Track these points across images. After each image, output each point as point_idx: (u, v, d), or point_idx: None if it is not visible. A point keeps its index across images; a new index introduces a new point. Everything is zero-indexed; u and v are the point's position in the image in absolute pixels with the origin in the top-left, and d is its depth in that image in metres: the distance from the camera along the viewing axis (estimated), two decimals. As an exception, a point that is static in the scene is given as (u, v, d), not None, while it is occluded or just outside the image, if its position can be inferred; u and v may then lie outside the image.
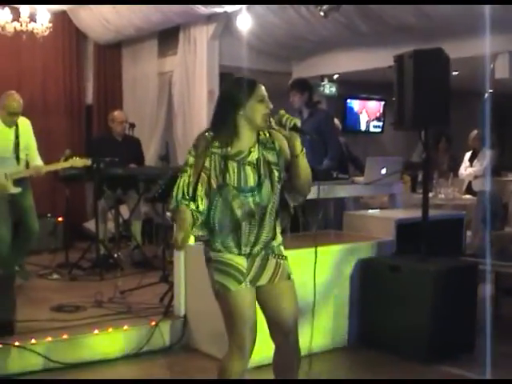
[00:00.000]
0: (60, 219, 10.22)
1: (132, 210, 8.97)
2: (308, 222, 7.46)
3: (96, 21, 10.69)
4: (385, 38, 9.10)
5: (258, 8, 9.17)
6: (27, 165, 7.51)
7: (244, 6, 8.98)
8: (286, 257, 3.98)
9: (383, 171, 7.14)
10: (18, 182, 7.37)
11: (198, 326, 6.03)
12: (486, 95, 12.94)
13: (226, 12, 9.25)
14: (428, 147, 6.26)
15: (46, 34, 10.10)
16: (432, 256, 5.92)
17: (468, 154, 10.35)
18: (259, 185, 3.79)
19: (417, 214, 6.34)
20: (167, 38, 10.76)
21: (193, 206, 3.69)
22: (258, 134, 3.87)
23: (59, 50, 11.48)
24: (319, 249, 5.53)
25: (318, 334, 5.11)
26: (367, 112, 13.85)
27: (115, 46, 11.66)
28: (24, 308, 6.03)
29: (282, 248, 3.99)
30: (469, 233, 8.92)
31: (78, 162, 7.59)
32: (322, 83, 11.63)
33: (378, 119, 14.08)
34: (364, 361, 5.83)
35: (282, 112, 3.79)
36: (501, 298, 6.93)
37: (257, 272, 3.87)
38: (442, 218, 7.03)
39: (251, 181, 3.78)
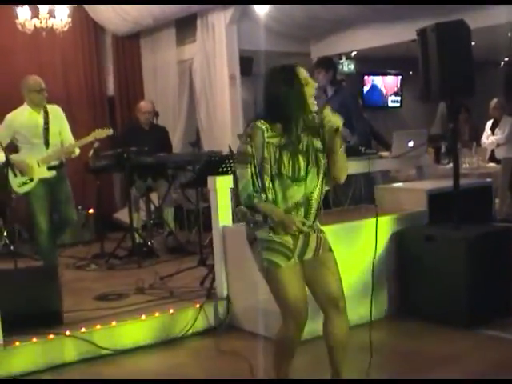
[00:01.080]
0: (91, 211, 10.37)
1: (163, 197, 9.10)
2: (339, 199, 7.58)
3: (114, 13, 10.78)
4: (402, 13, 9.16)
5: (275, -10, 9.25)
6: None
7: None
8: (323, 231, 4.12)
9: (410, 144, 7.23)
10: (53, 170, 7.43)
11: (241, 306, 6.15)
12: (502, 64, 13.00)
13: (242, -4, 9.33)
14: (453, 118, 6.33)
15: (65, 29, 10.23)
16: (464, 224, 6.02)
17: (489, 123, 10.42)
18: (307, 173, 3.91)
19: (445, 184, 6.44)
20: (185, 25, 10.86)
21: (265, 197, 3.83)
22: (304, 119, 3.95)
23: (78, 44, 11.60)
24: (354, 223, 5.73)
25: (360, 305, 5.21)
26: (385, 87, 13.91)
27: (133, 37, 11.77)
28: (68, 299, 6.14)
29: (318, 223, 4.12)
30: (496, 200, 8.99)
31: (101, 133, 7.59)
32: (340, 61, 11.71)
33: (395, 94, 14.14)
34: (405, 330, 5.91)
35: (327, 112, 3.86)
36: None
37: (302, 247, 4.01)
38: (471, 186, 7.08)
39: (302, 170, 3.89)
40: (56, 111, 7.57)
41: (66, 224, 7.71)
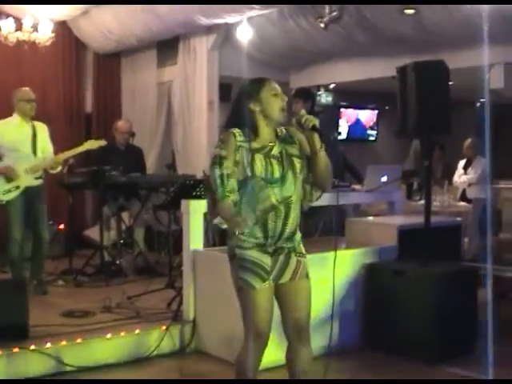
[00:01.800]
0: (61, 226, 10.35)
1: (135, 217, 9.10)
2: (309, 228, 7.63)
3: (97, 31, 10.82)
4: (382, 49, 9.29)
5: (258, 19, 9.34)
6: None
7: (245, 18, 9.14)
8: (305, 255, 4.17)
9: (384, 179, 7.32)
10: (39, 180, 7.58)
11: (207, 330, 6.16)
12: (478, 104, 13.17)
13: (226, 23, 9.40)
14: (428, 155, 6.42)
15: (47, 44, 10.24)
16: (433, 261, 6.09)
17: (462, 162, 10.54)
18: (283, 176, 3.96)
19: (416, 220, 6.53)
20: (166, 48, 10.91)
21: (233, 197, 3.88)
22: (276, 131, 4.07)
23: (59, 60, 11.59)
24: (325, 254, 5.77)
25: (324, 336, 5.25)
26: (361, 121, 14.06)
27: (114, 56, 11.80)
28: (34, 313, 6.09)
29: (301, 246, 4.17)
30: (465, 239, 9.10)
31: (93, 143, 7.79)
32: (319, 93, 11.82)
33: (371, 128, 14.28)
34: (369, 362, 5.97)
35: (303, 112, 4.04)
36: (498, 302, 7.09)
37: (280, 270, 4.06)
38: (441, 224, 7.16)
39: (276, 172, 3.95)
40: (42, 128, 7.76)
41: (39, 241, 7.73)
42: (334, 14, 8.22)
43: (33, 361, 5.49)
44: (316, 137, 3.95)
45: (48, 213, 8.17)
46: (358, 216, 8.43)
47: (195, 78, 10.32)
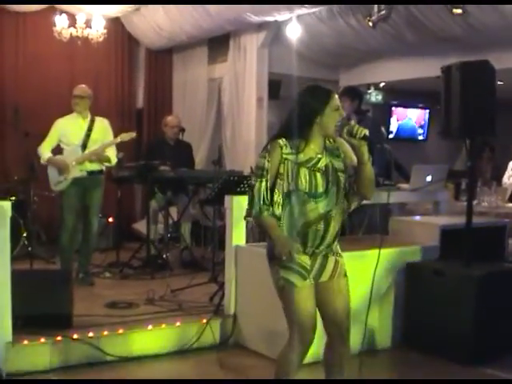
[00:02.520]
0: (110, 220, 10.51)
1: (182, 211, 9.21)
2: (354, 226, 7.65)
3: (149, 27, 10.96)
4: (431, 48, 9.23)
5: (308, 17, 9.36)
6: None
7: (294, 15, 9.18)
8: (341, 255, 4.22)
9: (428, 178, 7.30)
10: (91, 176, 7.86)
11: (247, 325, 6.23)
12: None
13: (276, 21, 9.45)
14: (473, 156, 6.39)
15: (100, 39, 10.40)
16: (475, 262, 6.08)
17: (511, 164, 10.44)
18: (327, 191, 4.00)
19: (460, 220, 6.48)
20: (217, 44, 10.99)
21: (271, 211, 3.94)
22: (325, 141, 4.08)
23: (112, 55, 11.79)
24: (367, 252, 5.79)
25: (358, 333, 5.27)
26: (412, 120, 13.97)
27: (166, 52, 11.93)
28: (80, 303, 6.26)
29: (338, 246, 4.22)
30: (510, 241, 9.01)
31: (125, 136, 8.00)
32: (369, 91, 11.80)
33: (421, 127, 14.18)
34: (407, 362, 5.99)
35: (353, 123, 4.07)
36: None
37: (318, 269, 4.12)
38: (486, 225, 7.12)
39: (320, 187, 3.98)
40: (103, 124, 8.08)
41: (88, 230, 7.97)
42: (383, 12, 8.21)
43: (75, 349, 5.62)
44: (365, 147, 3.95)
45: (98, 206, 8.32)
46: (403, 215, 8.41)
47: (245, 74, 10.38)
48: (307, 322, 4.01)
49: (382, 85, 11.87)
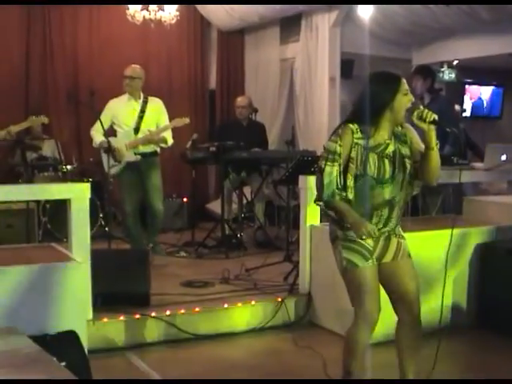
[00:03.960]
0: (185, 200, 10.65)
1: (256, 192, 9.29)
2: (427, 206, 7.63)
3: (221, 9, 11.02)
4: (505, 26, 9.11)
5: (380, -5, 9.32)
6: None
7: (366, -6, 9.15)
8: (404, 236, 4.24)
9: (503, 157, 7.22)
10: (146, 159, 7.85)
11: (321, 304, 6.29)
12: None
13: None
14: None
15: (173, 22, 10.51)
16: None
17: None
18: (393, 177, 4.03)
19: (536, 199, 6.44)
20: (289, 24, 10.99)
21: (345, 195, 3.97)
22: (393, 127, 4.08)
23: (184, 37, 11.92)
24: (440, 232, 5.77)
25: (437, 312, 5.27)
26: (487, 98, 13.78)
27: (238, 33, 11.99)
28: (156, 282, 6.37)
29: (400, 229, 4.24)
30: None
31: (178, 121, 7.97)
32: (442, 69, 11.67)
33: (495, 105, 13.97)
34: (480, 342, 5.95)
35: (422, 107, 4.00)
36: None
37: (381, 250, 4.14)
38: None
39: (387, 173, 4.01)
40: (156, 104, 8.01)
41: (153, 214, 8.01)
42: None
43: (152, 327, 5.76)
44: (433, 132, 3.94)
45: (172, 186, 8.45)
46: (477, 195, 8.35)
47: (317, 54, 10.37)
48: (370, 302, 4.05)
49: (455, 63, 11.73)
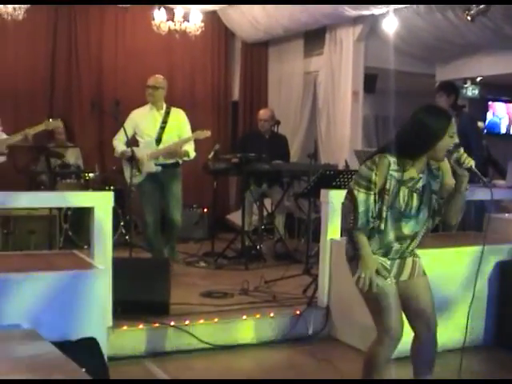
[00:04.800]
0: (205, 210, 10.69)
1: (276, 204, 9.31)
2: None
3: (245, 21, 11.08)
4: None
5: (405, 11, 9.33)
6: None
7: (391, 9, 9.15)
8: (418, 255, 4.26)
9: (526, 175, 7.21)
10: (166, 169, 7.84)
11: (340, 318, 6.30)
12: None
13: (372, 14, 9.45)
14: None
15: (197, 33, 10.58)
16: None
17: None
18: (418, 212, 4.02)
19: (558, 218, 6.41)
20: (313, 38, 11.03)
21: (377, 225, 3.97)
22: (428, 161, 4.04)
23: (208, 48, 11.96)
24: (459, 249, 5.77)
25: (455, 330, 5.27)
26: (509, 115, 13.74)
27: (262, 45, 12.01)
28: (176, 292, 6.39)
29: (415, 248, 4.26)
30: None
31: (200, 134, 7.95)
32: (465, 85, 11.67)
33: (518, 122, 13.94)
34: (498, 361, 5.94)
35: (462, 151, 3.89)
36: None
37: (398, 269, 4.16)
38: None
39: (414, 208, 4.00)
40: (179, 115, 8.01)
41: (170, 225, 7.99)
42: (482, 6, 8.13)
43: (171, 336, 5.79)
44: (466, 178, 3.93)
45: (193, 196, 8.48)
46: (498, 212, 8.32)
47: (341, 68, 10.38)
48: (393, 319, 4.06)
49: (478, 79, 11.73)
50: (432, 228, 4.27)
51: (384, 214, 3.95)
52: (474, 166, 3.88)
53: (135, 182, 7.71)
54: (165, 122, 7.87)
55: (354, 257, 4.10)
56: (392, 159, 3.95)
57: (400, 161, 3.96)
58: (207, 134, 7.99)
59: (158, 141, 7.83)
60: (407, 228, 4.03)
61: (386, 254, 4.08)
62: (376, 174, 3.92)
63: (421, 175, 4.02)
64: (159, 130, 7.84)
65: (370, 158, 4.01)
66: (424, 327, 4.20)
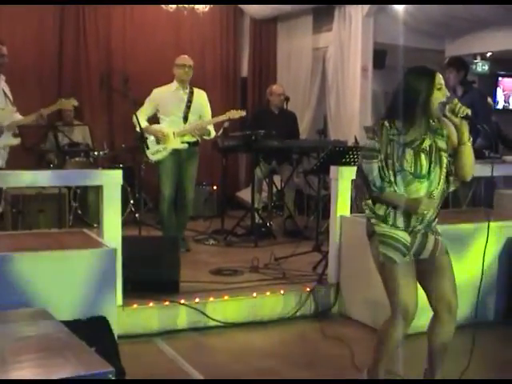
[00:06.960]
0: (215, 188, 10.69)
1: (286, 180, 9.30)
2: (458, 199, 7.59)
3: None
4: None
5: (415, -13, 9.28)
6: None
7: (401, -15, 9.11)
8: (441, 234, 4.23)
9: (536, 150, 7.18)
10: (189, 148, 7.88)
11: (350, 294, 6.30)
12: None
13: (381, -10, 9.39)
14: None
15: (206, 9, 10.53)
16: None
17: None
18: (429, 171, 4.01)
19: None
20: (322, 14, 10.97)
21: (393, 188, 4.00)
22: (429, 121, 4.07)
23: (217, 25, 11.92)
24: (471, 225, 5.75)
25: (466, 307, 5.26)
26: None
27: (271, 21, 11.96)
28: (185, 270, 6.39)
29: (437, 226, 4.24)
30: None
31: (234, 113, 8.01)
32: (475, 61, 11.59)
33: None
34: (509, 336, 5.93)
35: (456, 101, 3.96)
36: None
37: (418, 247, 4.14)
38: None
39: (424, 168, 4.00)
40: (201, 96, 8.08)
41: (183, 201, 8.03)
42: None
43: (181, 314, 5.81)
44: (466, 127, 3.95)
45: (202, 174, 8.46)
46: (508, 188, 8.29)
47: (350, 44, 10.35)
48: (407, 297, 4.04)
49: (488, 55, 11.65)
50: (449, 191, 4.26)
51: (393, 178, 3.98)
52: (469, 114, 3.90)
53: (159, 157, 7.77)
54: (190, 100, 7.93)
55: (373, 233, 4.12)
56: (389, 124, 4.02)
57: (399, 124, 4.02)
58: (242, 113, 8.09)
59: (185, 119, 7.88)
60: (422, 189, 4.01)
61: (407, 226, 4.07)
62: (377, 142, 4.00)
63: (424, 136, 4.05)
64: (185, 108, 7.89)
65: (372, 130, 4.09)
66: (445, 309, 4.17)
